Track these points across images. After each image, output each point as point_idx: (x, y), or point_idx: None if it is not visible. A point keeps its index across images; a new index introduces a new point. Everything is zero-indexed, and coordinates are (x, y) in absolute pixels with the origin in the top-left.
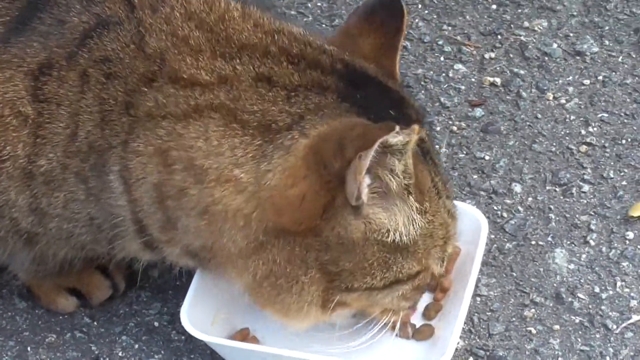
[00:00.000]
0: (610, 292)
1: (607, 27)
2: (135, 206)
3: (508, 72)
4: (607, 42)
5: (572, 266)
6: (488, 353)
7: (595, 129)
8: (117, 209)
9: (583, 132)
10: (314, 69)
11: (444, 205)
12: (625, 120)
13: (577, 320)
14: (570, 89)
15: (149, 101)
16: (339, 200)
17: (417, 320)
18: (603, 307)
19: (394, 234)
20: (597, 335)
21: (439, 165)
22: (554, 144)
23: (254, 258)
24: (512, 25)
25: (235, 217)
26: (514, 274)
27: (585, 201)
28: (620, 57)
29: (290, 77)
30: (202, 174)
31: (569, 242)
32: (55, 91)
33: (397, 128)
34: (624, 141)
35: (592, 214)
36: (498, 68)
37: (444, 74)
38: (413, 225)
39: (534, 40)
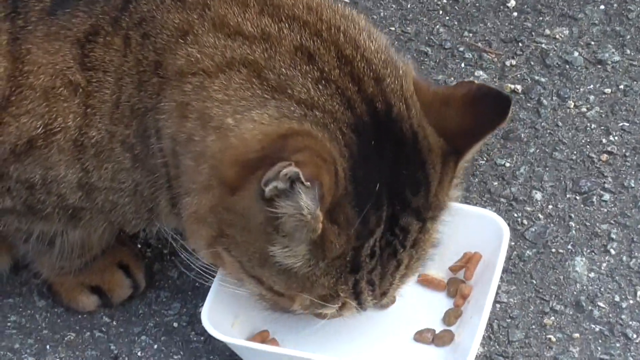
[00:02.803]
0: (631, 302)
1: (628, 36)
2: (164, 159)
3: (529, 79)
4: (628, 51)
5: (592, 275)
6: None
7: (616, 137)
8: (156, 167)
9: (604, 140)
10: (354, 83)
11: (353, 285)
12: None
13: (597, 329)
14: (591, 97)
15: (180, 59)
16: (259, 173)
17: (436, 325)
18: (623, 316)
19: (278, 251)
20: (617, 344)
21: (401, 254)
22: (575, 152)
23: (196, 195)
24: (533, 33)
25: (212, 159)
26: (534, 282)
27: (605, 210)
28: None
29: (332, 68)
30: (207, 121)
31: (589, 251)
32: (101, 58)
33: (307, 184)
34: None
35: (613, 222)
36: (519, 75)
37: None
38: (293, 260)
39: (555, 48)
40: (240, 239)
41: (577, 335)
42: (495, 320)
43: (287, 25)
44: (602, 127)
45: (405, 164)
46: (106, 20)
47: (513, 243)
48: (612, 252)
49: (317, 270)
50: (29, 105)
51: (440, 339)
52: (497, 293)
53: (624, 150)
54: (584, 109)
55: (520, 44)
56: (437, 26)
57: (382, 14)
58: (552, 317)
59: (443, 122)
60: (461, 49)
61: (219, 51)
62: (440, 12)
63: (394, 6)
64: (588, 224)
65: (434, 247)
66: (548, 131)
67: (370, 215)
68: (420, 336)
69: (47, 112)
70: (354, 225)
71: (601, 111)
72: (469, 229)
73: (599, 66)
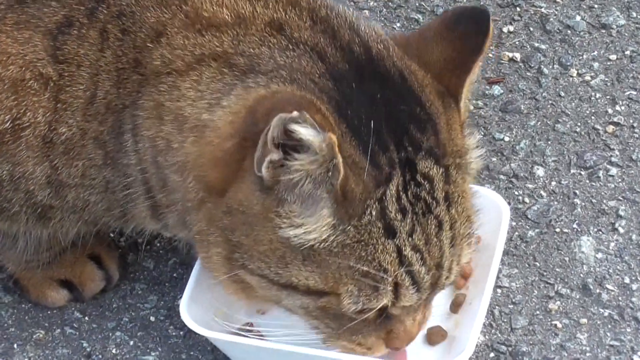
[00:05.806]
0: None
1: None
2: (142, 165)
3: (528, 46)
4: (634, 14)
5: (599, 255)
6: (510, 349)
7: (622, 107)
8: (129, 169)
9: (610, 111)
10: (329, 35)
11: (394, 250)
12: None
13: (605, 313)
14: (596, 64)
15: (156, 59)
16: (247, 162)
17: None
18: (634, 299)
19: (294, 230)
20: (628, 329)
21: (438, 210)
22: (579, 124)
23: (195, 214)
24: None
25: (194, 167)
26: (538, 264)
27: (613, 185)
28: None
29: (302, 31)
30: (183, 122)
31: (596, 230)
32: (75, 51)
33: (295, 114)
34: None
35: (621, 199)
36: (517, 42)
37: None
38: (317, 233)
39: (556, 12)
40: (247, 240)
41: (584, 320)
42: (497, 307)
43: (263, 2)
44: (608, 97)
45: (400, 100)
46: (81, 12)
47: (514, 223)
48: (621, 230)
49: (347, 238)
50: None
51: (431, 336)
52: (497, 277)
53: (631, 121)
54: (587, 77)
55: (518, 9)
56: None
57: None
58: (558, 302)
59: (425, 56)
60: None
61: (188, 51)
62: None
63: None
64: (594, 200)
65: (474, 214)
66: (550, 102)
67: (378, 155)
68: None
69: (16, 106)
70: (365, 166)
71: (606, 79)
72: None
73: (603, 31)
